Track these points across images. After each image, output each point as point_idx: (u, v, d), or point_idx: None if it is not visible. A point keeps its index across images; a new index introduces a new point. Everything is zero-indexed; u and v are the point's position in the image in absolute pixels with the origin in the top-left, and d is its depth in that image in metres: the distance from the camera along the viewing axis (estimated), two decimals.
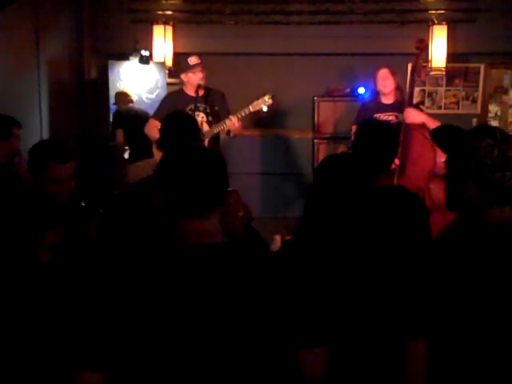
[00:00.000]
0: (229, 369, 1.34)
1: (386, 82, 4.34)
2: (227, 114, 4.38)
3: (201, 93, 4.36)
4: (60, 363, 2.21)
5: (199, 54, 4.49)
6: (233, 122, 4.24)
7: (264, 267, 1.44)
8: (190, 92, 4.38)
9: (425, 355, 1.69)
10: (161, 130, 2.76)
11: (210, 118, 4.39)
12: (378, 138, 2.49)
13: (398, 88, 4.50)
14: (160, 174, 1.48)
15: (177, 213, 1.44)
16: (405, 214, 2.45)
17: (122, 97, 6.07)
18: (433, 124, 4.19)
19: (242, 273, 1.38)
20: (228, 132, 4.35)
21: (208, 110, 4.37)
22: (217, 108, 4.43)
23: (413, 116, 4.08)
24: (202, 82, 4.31)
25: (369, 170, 2.46)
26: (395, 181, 3.99)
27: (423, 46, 4.24)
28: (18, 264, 2.39)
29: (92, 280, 2.22)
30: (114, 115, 6.04)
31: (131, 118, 5.78)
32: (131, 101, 6.10)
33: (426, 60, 4.29)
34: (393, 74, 4.37)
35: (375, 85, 4.44)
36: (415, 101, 4.39)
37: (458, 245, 1.73)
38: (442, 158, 4.19)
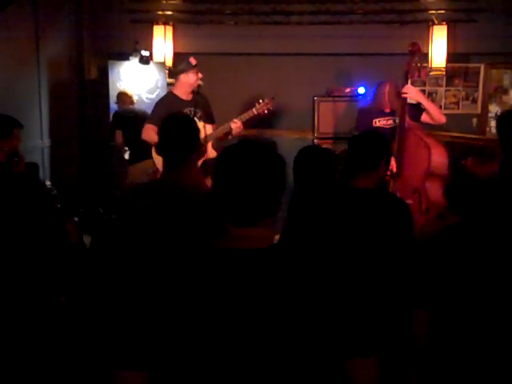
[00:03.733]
0: (266, 376, 1.31)
1: (393, 103, 4.34)
2: (213, 117, 4.44)
3: (190, 96, 4.31)
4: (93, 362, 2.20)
5: (199, 54, 4.48)
6: (238, 125, 4.27)
7: (307, 272, 1.37)
8: (182, 95, 4.30)
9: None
10: (160, 134, 2.71)
11: (207, 121, 4.37)
12: (356, 139, 2.69)
13: None
14: (214, 176, 1.40)
15: (224, 219, 1.38)
16: (382, 218, 2.49)
17: (124, 97, 6.06)
18: (429, 104, 4.33)
19: (285, 278, 1.33)
20: (228, 134, 4.34)
21: (201, 113, 4.32)
22: (208, 111, 4.43)
23: (412, 92, 4.18)
24: (201, 84, 4.28)
25: (347, 170, 2.56)
26: (391, 182, 4.03)
27: (416, 50, 4.31)
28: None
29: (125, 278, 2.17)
30: (113, 116, 6.04)
31: (130, 118, 5.77)
32: (132, 102, 6.09)
33: (420, 62, 4.31)
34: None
35: (378, 95, 4.42)
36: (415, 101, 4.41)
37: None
38: (436, 157, 4.26)
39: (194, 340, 1.31)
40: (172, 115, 2.85)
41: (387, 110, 4.35)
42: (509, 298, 1.78)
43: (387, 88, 4.34)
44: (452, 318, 1.86)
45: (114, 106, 6.16)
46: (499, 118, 2.18)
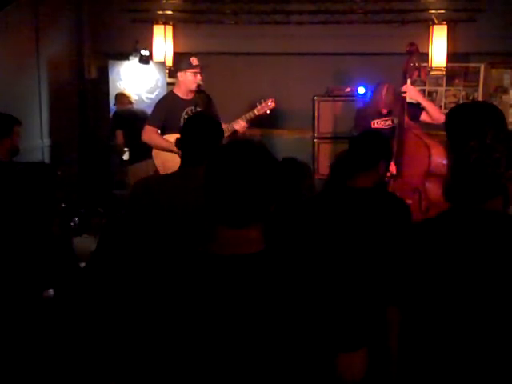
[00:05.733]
0: (259, 376, 1.29)
1: (390, 105, 4.35)
2: (217, 116, 4.41)
3: (191, 95, 4.29)
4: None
5: (199, 54, 4.47)
6: (242, 125, 4.33)
7: (295, 276, 1.35)
8: (183, 94, 4.28)
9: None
10: (189, 125, 2.55)
11: None
12: (357, 138, 2.73)
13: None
14: (205, 176, 1.36)
15: (216, 221, 1.35)
16: (381, 216, 2.48)
17: (121, 98, 6.07)
18: (428, 104, 4.35)
19: (273, 284, 1.31)
20: (234, 133, 4.36)
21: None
22: (210, 110, 4.42)
23: (411, 91, 4.23)
24: (201, 83, 4.27)
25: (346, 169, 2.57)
26: (391, 182, 4.04)
27: (413, 50, 4.32)
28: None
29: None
30: (113, 116, 6.05)
31: (130, 119, 5.78)
32: (130, 102, 6.09)
33: (418, 62, 4.34)
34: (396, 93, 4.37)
35: (376, 96, 4.43)
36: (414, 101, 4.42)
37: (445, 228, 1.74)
38: (436, 156, 4.28)
39: (174, 349, 1.28)
40: (204, 113, 2.80)
41: (384, 112, 4.36)
42: (477, 297, 1.71)
43: (385, 90, 4.35)
44: (419, 317, 1.77)
45: (112, 107, 6.17)
46: (448, 114, 2.02)
